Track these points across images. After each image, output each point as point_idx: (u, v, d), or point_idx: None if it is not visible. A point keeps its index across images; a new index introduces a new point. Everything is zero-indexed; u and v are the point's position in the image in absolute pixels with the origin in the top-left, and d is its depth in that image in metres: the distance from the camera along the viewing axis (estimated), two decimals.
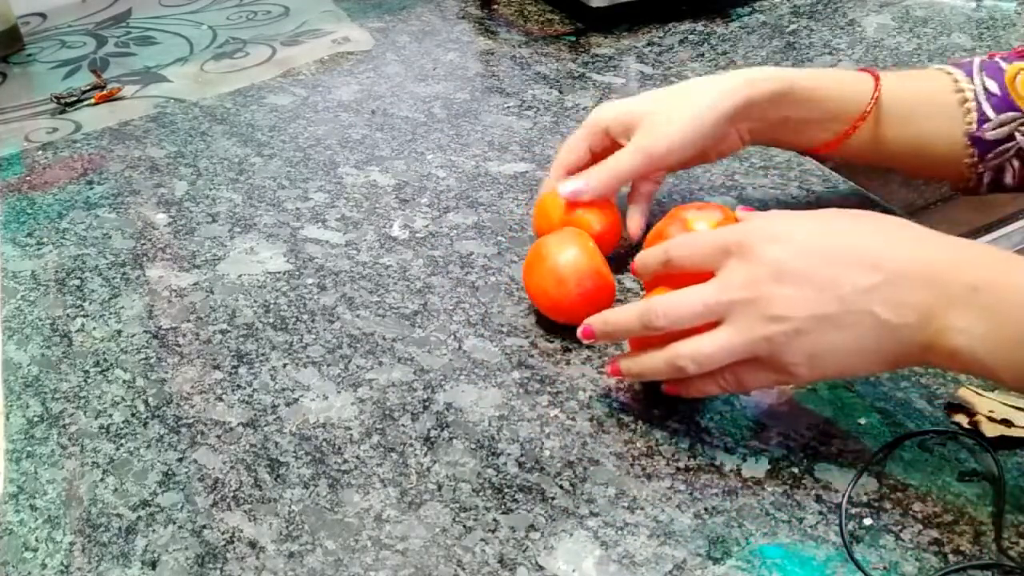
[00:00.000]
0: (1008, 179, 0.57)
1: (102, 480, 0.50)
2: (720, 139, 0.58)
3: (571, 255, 0.55)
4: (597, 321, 0.49)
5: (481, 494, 0.47)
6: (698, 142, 0.56)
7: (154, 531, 0.47)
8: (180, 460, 0.51)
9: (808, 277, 0.42)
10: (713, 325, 0.44)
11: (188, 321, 0.61)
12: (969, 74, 0.56)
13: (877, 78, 0.56)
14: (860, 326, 0.41)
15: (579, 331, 0.50)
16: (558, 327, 0.57)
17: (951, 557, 0.42)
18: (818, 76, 0.57)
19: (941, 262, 0.41)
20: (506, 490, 0.47)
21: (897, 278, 0.41)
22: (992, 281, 0.39)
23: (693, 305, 0.44)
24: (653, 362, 0.47)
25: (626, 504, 0.46)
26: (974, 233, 0.98)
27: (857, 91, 0.56)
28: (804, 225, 0.44)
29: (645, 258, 0.50)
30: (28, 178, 0.80)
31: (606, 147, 0.60)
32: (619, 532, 0.45)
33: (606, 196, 0.59)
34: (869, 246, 0.42)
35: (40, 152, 0.84)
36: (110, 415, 0.55)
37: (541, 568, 0.43)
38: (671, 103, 0.57)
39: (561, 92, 0.86)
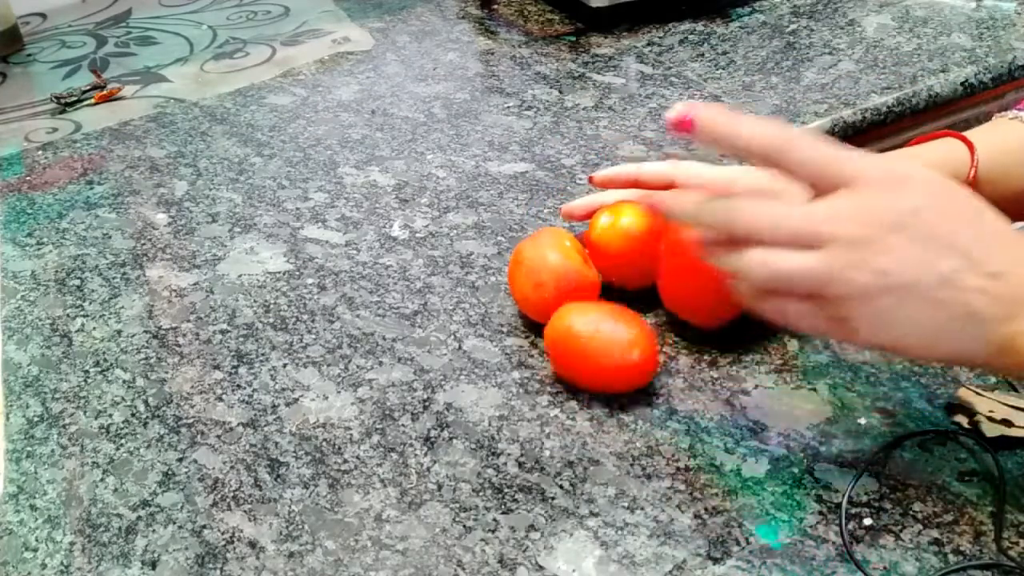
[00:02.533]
0: None
1: (102, 480, 0.50)
2: None
3: (546, 257, 0.55)
4: (669, 202, 0.45)
5: (481, 494, 0.47)
6: None
7: (154, 531, 0.47)
8: (180, 460, 0.51)
9: (925, 241, 0.39)
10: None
11: (188, 321, 0.61)
12: None
13: (971, 145, 0.55)
14: (949, 308, 0.39)
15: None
16: None
17: (951, 557, 0.42)
18: (919, 157, 0.56)
19: None
20: (506, 490, 0.47)
21: (1005, 275, 0.39)
22: None
23: (792, 218, 0.40)
24: (719, 257, 0.42)
25: (626, 504, 0.46)
26: None
27: (957, 164, 0.55)
28: (944, 186, 0.41)
29: (753, 132, 0.42)
30: (28, 178, 0.80)
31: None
32: (619, 532, 0.45)
33: None
34: (990, 234, 0.40)
35: (40, 152, 0.84)
36: (110, 415, 0.55)
37: (541, 568, 0.43)
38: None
39: (561, 92, 0.86)
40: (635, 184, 0.59)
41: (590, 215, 0.59)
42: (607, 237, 0.57)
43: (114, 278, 0.66)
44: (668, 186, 0.58)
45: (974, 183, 0.56)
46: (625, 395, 0.52)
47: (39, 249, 0.70)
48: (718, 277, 0.44)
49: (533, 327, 0.58)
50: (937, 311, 0.39)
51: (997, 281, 0.38)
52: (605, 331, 0.50)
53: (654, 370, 0.51)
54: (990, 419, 0.48)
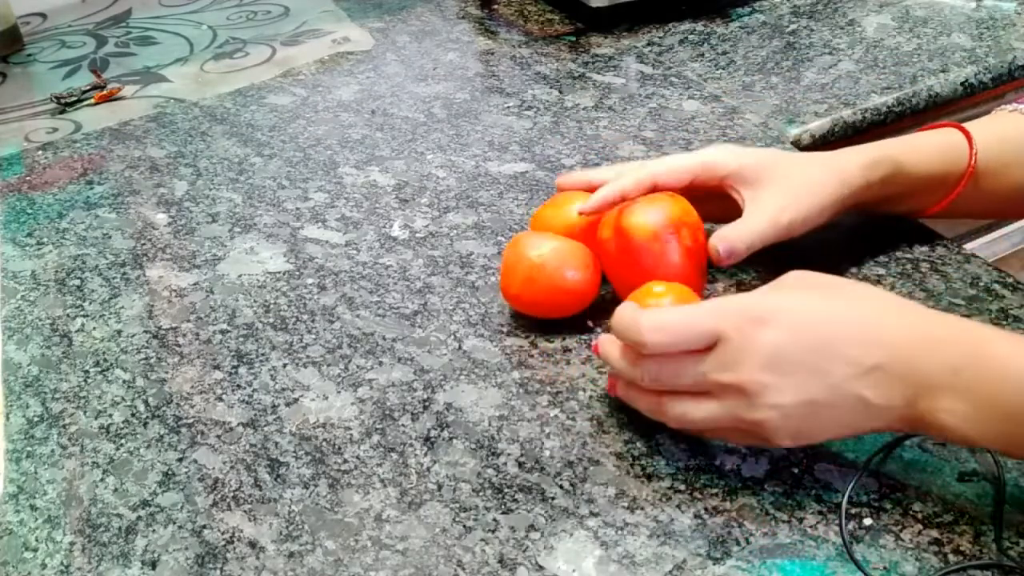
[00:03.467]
0: None
1: (102, 480, 0.50)
2: (831, 216, 0.57)
3: (540, 252, 0.55)
4: (602, 341, 0.49)
5: (481, 494, 0.47)
6: (811, 223, 0.56)
7: (154, 531, 0.47)
8: (180, 460, 0.51)
9: (799, 364, 0.42)
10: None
11: (188, 321, 0.61)
12: None
13: (969, 136, 0.56)
14: (848, 407, 0.42)
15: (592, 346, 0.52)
16: (558, 327, 0.57)
17: (951, 557, 0.42)
18: (917, 147, 0.57)
19: (922, 345, 0.41)
20: (506, 490, 0.47)
21: (884, 365, 0.41)
22: (972, 359, 0.40)
23: (687, 376, 0.44)
24: (641, 402, 0.48)
25: (626, 504, 0.46)
26: (974, 234, 0.98)
27: (956, 154, 0.57)
28: (795, 305, 0.44)
29: (622, 330, 0.46)
30: (28, 178, 0.80)
31: (709, 187, 0.58)
32: (619, 532, 0.45)
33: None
34: (857, 332, 0.42)
35: (40, 152, 0.84)
36: (110, 415, 0.55)
37: (541, 568, 0.43)
38: (794, 182, 0.56)
39: (561, 92, 0.86)
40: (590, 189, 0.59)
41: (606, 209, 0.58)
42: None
43: (114, 278, 0.66)
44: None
45: (972, 174, 0.56)
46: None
47: (39, 249, 0.70)
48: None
49: (533, 327, 0.58)
50: (839, 412, 0.42)
51: (879, 372, 0.41)
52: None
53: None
54: None
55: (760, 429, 0.43)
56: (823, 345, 0.42)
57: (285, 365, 0.57)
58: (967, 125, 0.58)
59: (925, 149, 0.57)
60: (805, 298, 0.44)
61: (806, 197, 0.56)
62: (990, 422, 0.40)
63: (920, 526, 0.43)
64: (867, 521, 0.44)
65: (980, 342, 0.41)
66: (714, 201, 0.59)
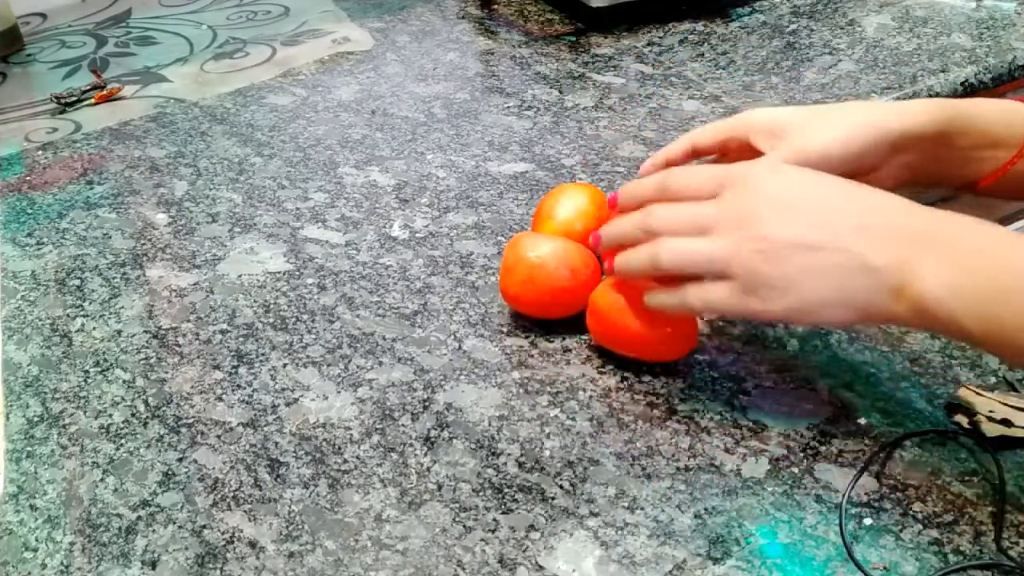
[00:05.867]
0: None
1: (102, 480, 0.50)
2: (874, 164, 0.53)
3: (537, 252, 0.55)
4: (604, 231, 0.52)
5: (481, 494, 0.47)
6: (852, 155, 0.52)
7: (154, 531, 0.47)
8: (180, 460, 0.51)
9: (800, 208, 0.44)
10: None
11: (188, 321, 0.61)
12: None
13: None
14: (839, 261, 0.43)
15: (591, 240, 0.54)
16: (558, 327, 0.57)
17: (951, 557, 0.42)
18: (976, 102, 0.54)
19: (921, 218, 0.43)
20: (506, 490, 0.47)
21: (880, 224, 0.43)
22: (965, 236, 0.41)
23: (687, 216, 0.47)
24: (637, 256, 0.49)
25: (626, 504, 0.46)
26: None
27: (1017, 115, 0.53)
28: (800, 170, 0.47)
29: (637, 188, 0.51)
30: (28, 178, 0.80)
31: (741, 150, 0.56)
32: (619, 532, 0.45)
33: None
34: (859, 196, 0.45)
35: (40, 152, 0.84)
36: (110, 415, 0.55)
37: (541, 568, 0.43)
38: (828, 115, 0.54)
39: (561, 92, 0.86)
40: (692, 153, 0.58)
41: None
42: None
43: (114, 278, 0.66)
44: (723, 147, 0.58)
45: None
46: (626, 391, 0.52)
47: (39, 249, 0.70)
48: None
49: (533, 327, 0.58)
50: (829, 265, 0.43)
51: (870, 229, 0.43)
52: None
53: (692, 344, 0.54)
54: (990, 419, 0.48)
55: (752, 267, 0.44)
56: (825, 198, 0.45)
57: (285, 365, 0.57)
58: None
59: (983, 105, 0.53)
60: (811, 172, 0.47)
61: (839, 122, 0.52)
62: (974, 296, 0.40)
63: (920, 526, 0.43)
64: (867, 521, 0.44)
65: (975, 225, 0.42)
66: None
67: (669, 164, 0.57)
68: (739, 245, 0.45)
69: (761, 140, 0.54)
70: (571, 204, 0.60)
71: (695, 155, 0.57)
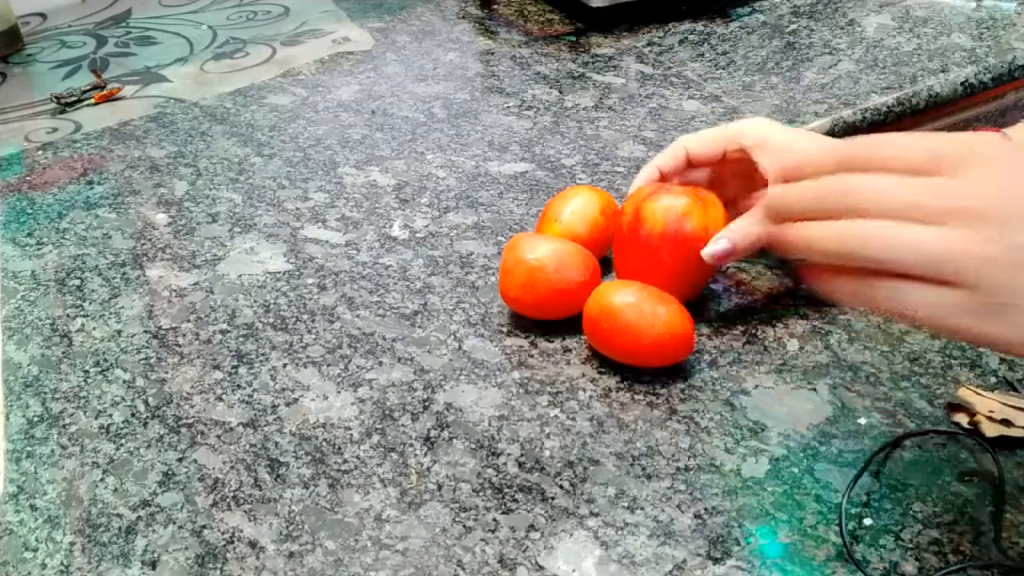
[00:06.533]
0: None
1: (102, 480, 0.50)
2: None
3: (536, 254, 0.55)
4: (771, 199, 0.38)
5: (481, 494, 0.47)
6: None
7: (154, 531, 0.47)
8: (180, 460, 0.51)
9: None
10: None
11: (188, 321, 0.61)
12: None
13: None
14: None
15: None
16: (558, 327, 0.57)
17: (951, 557, 0.42)
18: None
19: None
20: (506, 490, 0.47)
21: None
22: None
23: (908, 193, 0.34)
24: (825, 233, 0.35)
25: (626, 504, 0.46)
26: None
27: None
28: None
29: (819, 154, 0.37)
30: (28, 178, 0.80)
31: (739, 161, 0.57)
32: (619, 532, 0.45)
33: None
34: None
35: (40, 152, 0.84)
36: (110, 415, 0.55)
37: (541, 568, 0.43)
38: (809, 137, 0.53)
39: (561, 92, 0.86)
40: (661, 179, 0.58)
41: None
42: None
43: (114, 278, 0.66)
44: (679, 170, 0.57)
45: None
46: (626, 391, 0.52)
47: (39, 249, 0.70)
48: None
49: (533, 327, 0.58)
50: None
51: None
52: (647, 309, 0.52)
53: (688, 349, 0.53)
54: (990, 419, 0.48)
55: (996, 281, 0.32)
56: None
57: (285, 365, 0.57)
58: (1006, 131, 0.55)
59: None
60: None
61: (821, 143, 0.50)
62: None
63: (920, 526, 0.43)
64: (867, 521, 0.44)
65: None
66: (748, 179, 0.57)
67: (659, 170, 0.57)
68: (988, 246, 0.32)
69: (756, 153, 0.55)
70: (578, 207, 0.60)
71: (688, 163, 0.57)
